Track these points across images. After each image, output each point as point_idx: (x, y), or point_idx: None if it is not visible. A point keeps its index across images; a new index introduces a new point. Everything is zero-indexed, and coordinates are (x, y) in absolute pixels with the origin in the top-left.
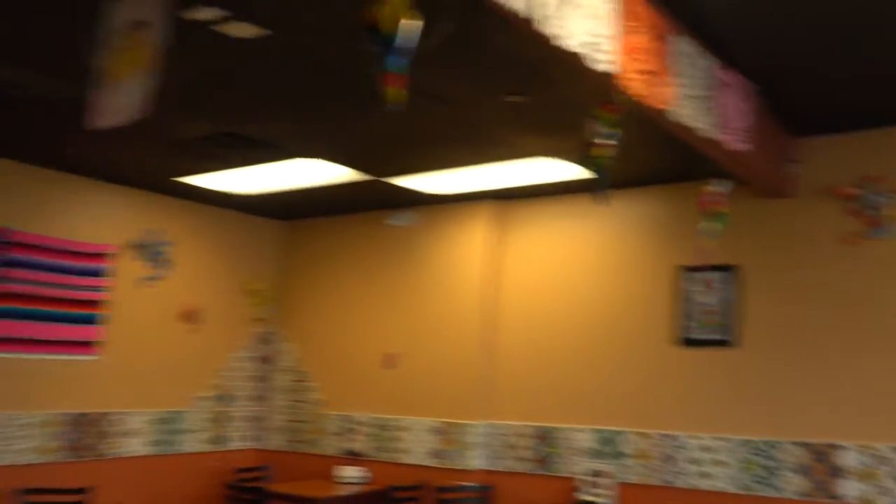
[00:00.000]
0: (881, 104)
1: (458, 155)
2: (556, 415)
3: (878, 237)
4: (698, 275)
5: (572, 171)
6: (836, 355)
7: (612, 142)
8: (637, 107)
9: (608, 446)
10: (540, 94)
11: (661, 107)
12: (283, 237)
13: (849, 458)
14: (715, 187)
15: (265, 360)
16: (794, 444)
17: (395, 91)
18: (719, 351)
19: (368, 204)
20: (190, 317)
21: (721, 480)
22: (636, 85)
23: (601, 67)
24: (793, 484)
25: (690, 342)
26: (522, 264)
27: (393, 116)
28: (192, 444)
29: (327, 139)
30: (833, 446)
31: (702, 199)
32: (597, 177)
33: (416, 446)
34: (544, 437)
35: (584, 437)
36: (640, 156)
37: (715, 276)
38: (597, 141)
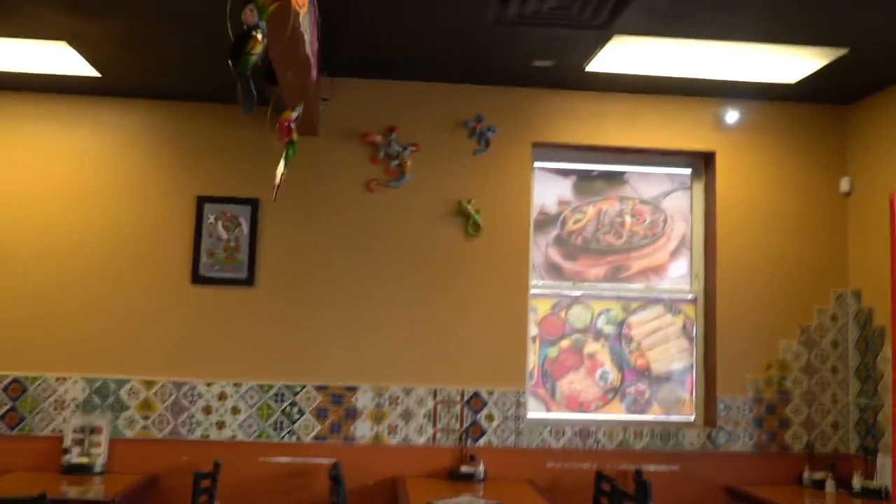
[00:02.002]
0: (408, 56)
1: None
2: (36, 362)
3: (397, 187)
4: (218, 206)
5: (83, 66)
6: (352, 299)
7: (262, 37)
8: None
9: (105, 398)
10: None
11: (298, 9)
12: None
13: (364, 400)
14: (295, 113)
15: None
16: (314, 387)
17: None
18: (237, 290)
19: None
20: None
21: (238, 429)
22: None
23: None
24: (311, 428)
25: (208, 280)
26: None
27: None
28: None
29: None
30: (350, 389)
31: (282, 126)
32: (243, 78)
33: None
34: (17, 389)
35: (73, 389)
36: (191, 62)
37: (235, 209)
38: (254, 34)
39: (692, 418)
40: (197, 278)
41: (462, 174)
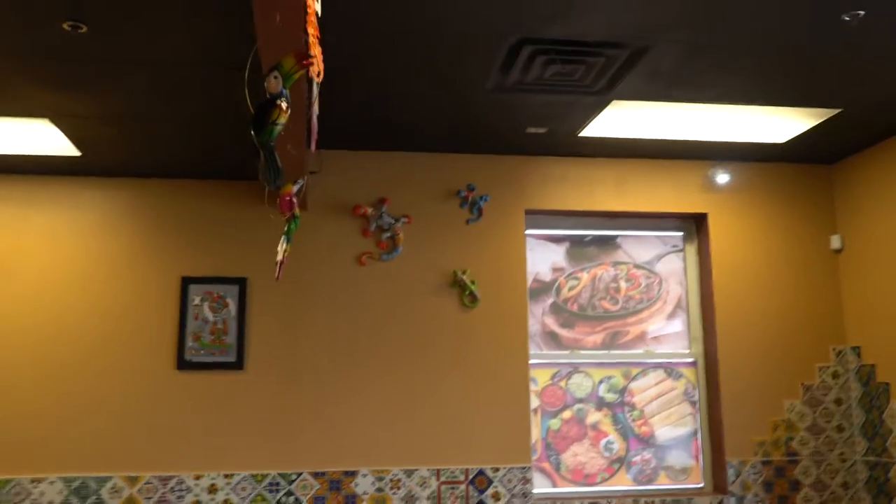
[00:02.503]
0: (400, 126)
1: None
2: (7, 462)
3: (389, 259)
4: (204, 287)
5: (63, 144)
6: (347, 378)
7: (287, 105)
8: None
9: (85, 499)
10: (109, 30)
11: (316, 77)
12: None
13: (364, 485)
14: (296, 186)
15: None
16: (311, 474)
17: None
18: (226, 375)
19: None
20: None
21: None
22: (313, 42)
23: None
24: None
25: (194, 365)
26: None
27: None
28: None
29: None
30: (349, 474)
31: (283, 201)
32: (267, 150)
33: None
34: None
35: (50, 490)
36: (175, 137)
37: (221, 289)
38: (279, 102)
39: (701, 485)
40: (182, 364)
41: (455, 244)
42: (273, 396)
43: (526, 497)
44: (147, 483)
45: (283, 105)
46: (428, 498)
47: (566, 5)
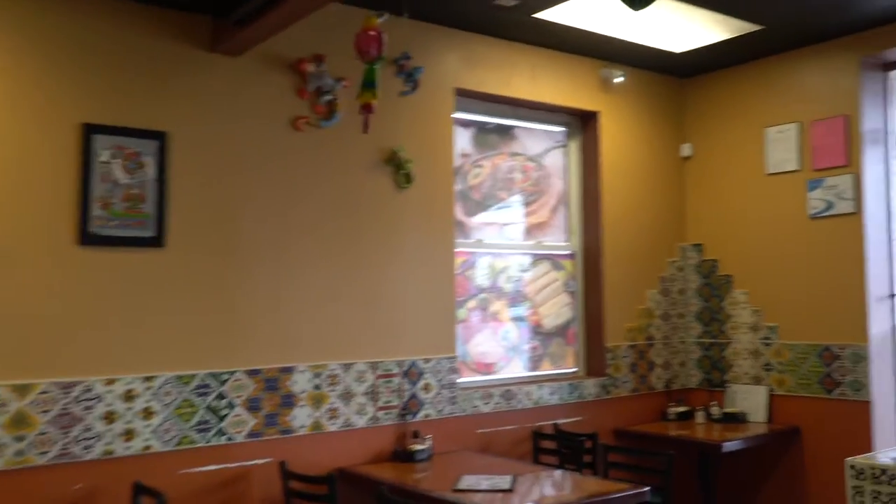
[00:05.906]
0: None
1: None
2: None
3: (327, 126)
4: (114, 140)
5: None
6: (285, 262)
7: None
8: None
9: None
10: None
11: None
12: None
13: (301, 383)
14: (381, 19)
15: None
16: (245, 373)
17: None
18: (143, 253)
19: None
20: None
21: (152, 437)
22: None
23: None
24: (243, 424)
25: (102, 240)
26: None
27: None
28: None
29: None
30: (285, 371)
31: (367, 37)
32: None
33: None
34: None
35: None
36: None
37: (136, 144)
38: None
39: (576, 369)
40: (87, 237)
41: (389, 117)
42: (199, 279)
43: (453, 387)
44: (43, 393)
45: None
46: (364, 393)
47: None
